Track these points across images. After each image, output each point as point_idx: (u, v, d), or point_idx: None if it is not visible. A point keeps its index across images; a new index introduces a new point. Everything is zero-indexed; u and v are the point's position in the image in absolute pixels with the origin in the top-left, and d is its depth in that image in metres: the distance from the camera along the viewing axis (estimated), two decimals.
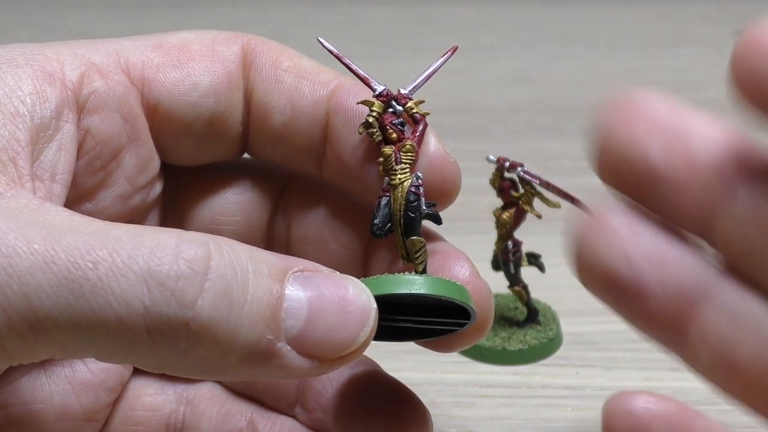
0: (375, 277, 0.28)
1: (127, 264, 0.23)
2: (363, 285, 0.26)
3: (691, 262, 0.25)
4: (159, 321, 0.23)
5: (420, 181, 0.29)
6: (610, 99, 0.25)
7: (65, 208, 0.25)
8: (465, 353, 0.45)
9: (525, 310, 0.46)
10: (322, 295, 0.25)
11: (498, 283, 0.44)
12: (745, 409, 0.25)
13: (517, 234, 0.44)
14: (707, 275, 0.25)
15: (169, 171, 0.32)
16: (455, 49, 0.31)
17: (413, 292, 0.27)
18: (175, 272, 0.23)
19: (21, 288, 0.22)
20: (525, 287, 0.46)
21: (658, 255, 0.25)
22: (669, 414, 0.24)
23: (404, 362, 0.43)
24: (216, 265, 0.23)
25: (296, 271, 0.25)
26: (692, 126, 0.24)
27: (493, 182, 0.44)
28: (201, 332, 0.23)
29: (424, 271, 0.29)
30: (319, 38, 0.30)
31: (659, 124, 0.24)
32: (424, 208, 0.29)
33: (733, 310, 0.25)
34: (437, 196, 0.29)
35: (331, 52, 0.30)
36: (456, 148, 0.31)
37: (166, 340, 0.23)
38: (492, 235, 0.45)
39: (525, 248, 0.45)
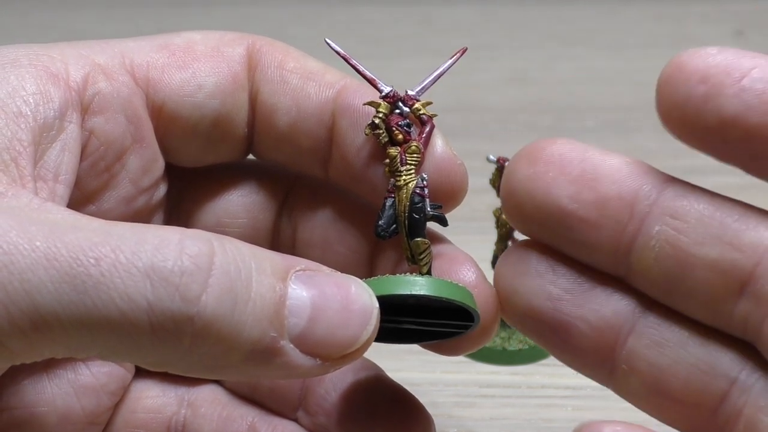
0: (377, 277, 0.28)
1: (131, 260, 0.23)
2: (365, 285, 0.26)
3: (613, 296, 0.26)
4: (163, 317, 0.23)
5: (425, 182, 0.29)
6: (522, 149, 0.26)
7: (67, 208, 0.25)
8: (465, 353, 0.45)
9: None
10: (324, 293, 0.25)
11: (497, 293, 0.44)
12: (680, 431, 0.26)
13: (517, 234, 0.44)
14: (630, 307, 0.26)
15: (173, 173, 0.32)
16: (464, 50, 0.30)
17: (414, 293, 0.27)
18: (179, 268, 0.23)
19: (23, 285, 0.22)
20: None
21: (579, 290, 0.26)
22: None
23: (405, 362, 0.43)
24: (219, 261, 0.23)
25: (298, 270, 0.25)
26: (597, 164, 0.25)
27: (493, 182, 0.44)
28: (205, 328, 0.23)
29: (428, 273, 0.29)
30: (327, 39, 0.30)
31: (566, 166, 0.25)
32: (428, 209, 0.29)
33: (660, 338, 0.25)
34: (444, 197, 0.29)
35: (338, 53, 0.30)
36: (456, 148, 0.31)
37: (169, 337, 0.23)
38: (492, 235, 0.45)
39: None
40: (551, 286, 0.26)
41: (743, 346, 0.25)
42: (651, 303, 0.26)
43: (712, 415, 0.25)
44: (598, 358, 0.26)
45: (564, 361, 0.27)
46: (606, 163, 0.25)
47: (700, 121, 0.23)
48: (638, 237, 0.25)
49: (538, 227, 0.26)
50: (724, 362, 0.25)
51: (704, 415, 0.25)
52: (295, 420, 0.33)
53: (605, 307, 0.25)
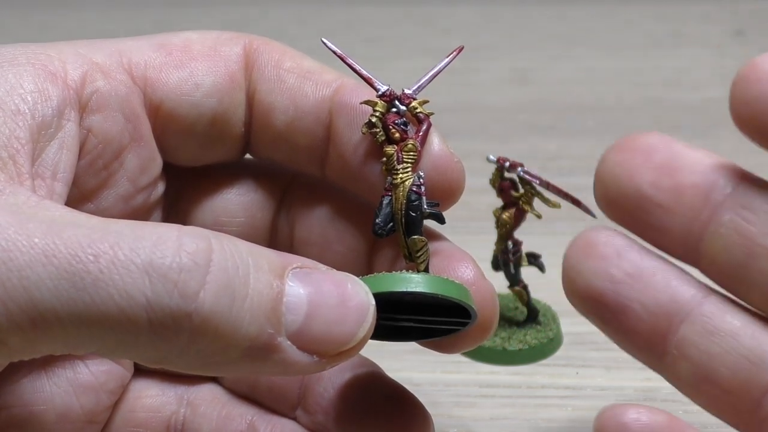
0: (373, 275, 0.28)
1: (129, 257, 0.23)
2: (361, 282, 0.26)
3: (672, 281, 0.27)
4: (161, 313, 0.23)
5: (421, 180, 0.29)
6: (618, 140, 0.27)
7: (64, 206, 0.25)
8: (465, 353, 0.45)
9: (525, 310, 0.46)
10: (321, 290, 0.25)
11: (498, 283, 0.44)
12: (727, 424, 0.26)
13: (517, 234, 0.44)
14: (688, 294, 0.26)
15: (171, 171, 0.32)
16: (461, 49, 0.31)
17: (410, 290, 0.27)
18: (178, 264, 0.23)
19: (21, 281, 0.22)
20: (525, 287, 0.45)
21: (640, 274, 0.27)
22: (660, 426, 0.24)
23: (404, 362, 0.43)
24: (217, 258, 0.24)
25: (295, 268, 0.25)
26: (680, 155, 0.26)
27: (493, 182, 0.44)
28: (203, 324, 0.23)
29: (426, 270, 0.29)
30: (323, 39, 0.30)
31: (651, 155, 0.26)
32: (425, 207, 0.29)
33: (712, 325, 0.26)
34: (441, 195, 0.29)
35: (335, 52, 0.30)
36: (456, 147, 0.31)
37: (168, 333, 0.23)
38: (492, 235, 0.45)
39: (525, 248, 0.45)
40: (614, 269, 0.27)
41: None
42: (709, 293, 0.26)
43: (756, 407, 0.25)
44: (651, 342, 0.27)
45: (618, 343, 0.28)
46: (688, 155, 0.26)
47: None
48: (710, 225, 0.26)
49: (620, 210, 0.27)
50: None
51: (748, 406, 0.25)
52: (294, 419, 0.33)
53: (663, 293, 0.26)
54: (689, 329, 0.26)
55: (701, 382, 0.26)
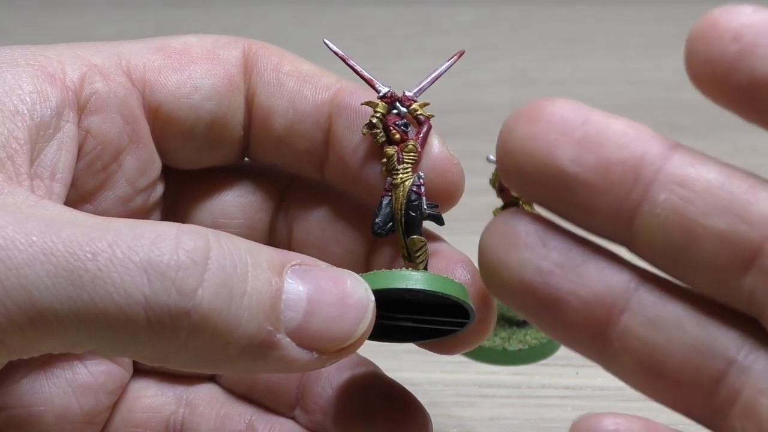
0: (373, 272, 0.28)
1: (127, 255, 0.23)
2: (361, 279, 0.26)
3: (605, 269, 0.25)
4: (160, 311, 0.23)
5: (421, 180, 0.29)
6: (520, 109, 0.25)
7: (62, 205, 0.25)
8: (465, 353, 0.45)
9: None
10: (320, 287, 0.25)
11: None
12: (681, 414, 0.25)
13: None
14: (624, 282, 0.25)
15: (170, 173, 0.32)
16: (462, 53, 0.31)
17: (409, 287, 0.27)
18: (176, 262, 0.23)
19: (19, 280, 0.22)
20: None
21: (570, 263, 0.25)
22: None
23: (404, 362, 0.43)
24: (216, 256, 0.24)
25: (294, 265, 0.25)
26: (601, 127, 0.24)
27: (493, 182, 0.44)
28: (201, 322, 0.23)
29: (425, 270, 0.29)
30: (325, 40, 0.30)
31: (568, 126, 0.24)
32: (425, 207, 0.29)
33: (655, 316, 0.24)
34: (441, 197, 0.29)
35: (336, 53, 0.30)
36: (456, 148, 0.31)
37: (166, 331, 0.23)
38: None
39: None
40: (542, 260, 0.24)
41: (744, 323, 0.24)
42: (646, 278, 0.25)
43: (708, 396, 0.24)
44: (590, 335, 0.25)
45: (554, 337, 0.26)
46: (610, 126, 0.24)
47: (730, 80, 0.23)
48: (643, 204, 0.24)
49: (537, 189, 0.24)
50: (723, 341, 0.24)
51: (700, 395, 0.24)
52: (293, 418, 0.33)
53: (598, 282, 0.24)
54: (630, 320, 0.24)
55: (648, 375, 0.25)
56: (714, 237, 0.23)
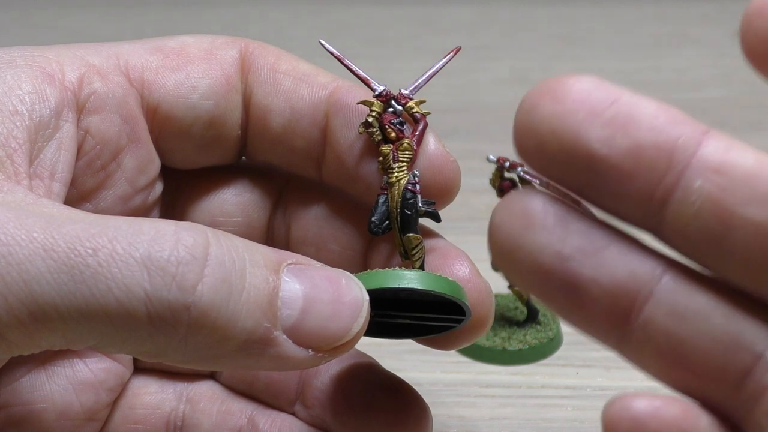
0: (367, 271, 0.28)
1: (127, 250, 0.23)
2: (355, 278, 0.26)
3: (629, 255, 0.23)
4: (160, 306, 0.23)
5: (417, 178, 0.29)
6: (542, 84, 0.23)
7: (62, 204, 0.25)
8: (465, 353, 0.45)
9: (525, 310, 0.46)
10: (316, 286, 0.25)
11: (498, 283, 0.44)
12: (706, 405, 0.24)
13: None
14: (648, 268, 0.23)
15: (168, 172, 0.32)
16: (458, 49, 0.31)
17: (404, 286, 0.27)
18: (176, 258, 0.23)
19: (21, 275, 0.22)
20: None
21: (591, 248, 0.23)
22: (673, 415, 0.22)
23: (404, 362, 0.43)
24: (215, 252, 0.24)
25: (290, 263, 0.26)
26: (633, 108, 0.23)
27: (493, 182, 0.44)
28: (201, 317, 0.23)
29: (421, 268, 0.29)
30: (321, 40, 0.30)
31: (596, 105, 0.23)
32: (420, 205, 0.29)
33: (680, 306, 0.23)
34: (437, 194, 0.30)
35: (332, 53, 0.30)
36: (456, 148, 0.31)
37: (166, 326, 0.23)
38: None
39: None
40: (561, 244, 0.23)
41: None
42: (671, 265, 0.24)
43: (733, 391, 0.23)
44: (611, 324, 0.24)
45: (573, 325, 0.24)
46: (641, 107, 0.23)
47: None
48: (676, 191, 0.23)
49: (561, 170, 0.23)
50: (751, 335, 0.23)
51: (725, 390, 0.23)
52: (293, 414, 0.33)
53: (620, 268, 0.23)
54: (654, 310, 0.23)
55: (671, 367, 0.24)
56: (751, 227, 0.22)
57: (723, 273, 0.23)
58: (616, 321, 0.24)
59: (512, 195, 0.24)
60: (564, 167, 0.23)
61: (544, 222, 0.23)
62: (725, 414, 0.24)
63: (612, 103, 0.23)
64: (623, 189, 0.23)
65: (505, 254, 0.23)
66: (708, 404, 0.24)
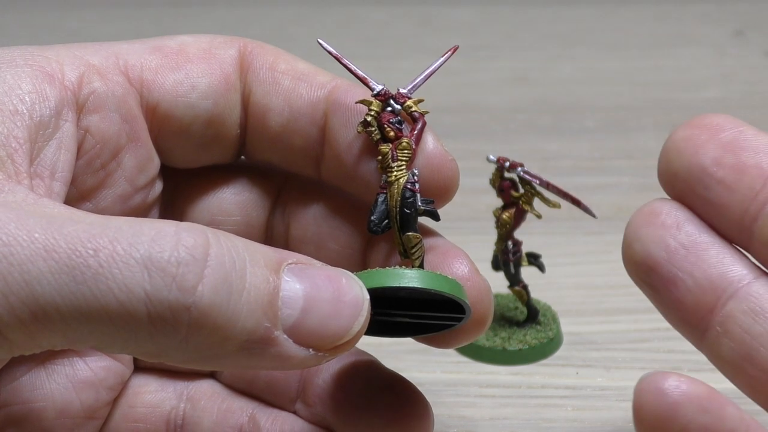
0: (367, 270, 0.28)
1: (128, 251, 0.23)
2: (356, 277, 0.26)
3: (725, 258, 0.27)
4: (160, 306, 0.23)
5: (416, 177, 0.29)
6: (687, 121, 0.27)
7: (62, 204, 0.25)
8: (465, 353, 0.45)
9: (525, 310, 0.46)
10: (316, 285, 0.25)
11: (498, 283, 0.44)
12: (763, 407, 0.26)
13: (517, 234, 0.44)
14: (739, 272, 0.26)
15: (168, 172, 0.32)
16: (455, 48, 0.31)
17: (404, 285, 0.27)
18: (176, 258, 0.23)
19: (22, 275, 0.22)
20: (525, 287, 0.46)
21: (695, 246, 0.27)
22: (701, 397, 0.24)
23: (404, 362, 0.43)
24: (215, 253, 0.24)
25: (290, 263, 0.26)
26: (746, 135, 0.26)
27: (493, 182, 0.44)
28: (201, 318, 0.23)
29: (421, 267, 0.29)
30: (319, 40, 0.30)
31: (718, 133, 0.26)
32: (419, 204, 0.29)
33: (758, 305, 0.26)
34: (436, 193, 0.30)
35: (330, 53, 0.30)
36: (456, 148, 0.31)
37: (166, 326, 0.23)
38: (492, 235, 0.45)
39: (525, 248, 0.45)
40: (671, 239, 0.27)
41: None
42: (760, 274, 0.26)
43: None
44: (696, 316, 0.27)
45: (664, 314, 0.28)
46: (755, 136, 0.26)
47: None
48: (766, 206, 0.26)
49: (680, 185, 0.27)
50: None
51: None
52: (294, 412, 0.33)
53: (714, 268, 0.26)
54: (735, 307, 0.26)
55: (742, 362, 0.26)
56: None
57: None
58: (702, 315, 0.27)
59: (653, 200, 0.28)
60: (683, 180, 0.27)
61: (664, 220, 0.27)
62: None
63: (732, 131, 0.27)
64: (724, 200, 0.26)
65: (627, 246, 0.28)
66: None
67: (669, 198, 0.28)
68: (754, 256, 0.27)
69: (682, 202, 0.27)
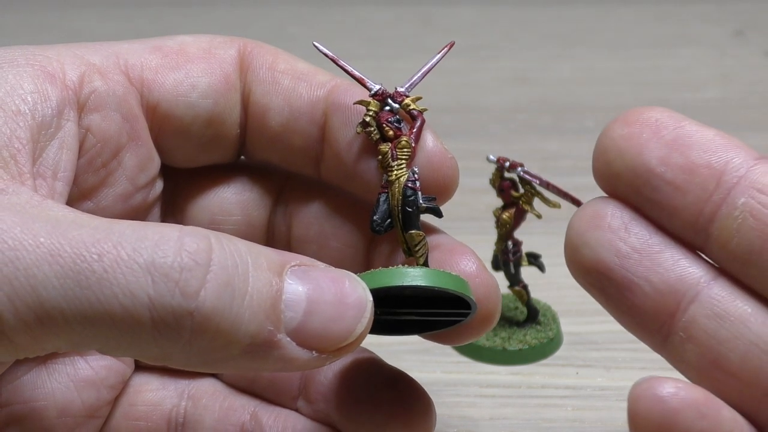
0: (371, 271, 0.28)
1: (132, 256, 0.23)
2: (358, 278, 0.26)
3: (681, 260, 0.26)
4: (163, 311, 0.23)
5: (416, 175, 0.29)
6: (621, 114, 0.26)
7: (66, 206, 0.25)
8: (465, 353, 0.45)
9: (525, 310, 0.46)
10: (319, 288, 0.25)
11: (498, 283, 0.44)
12: (735, 410, 0.25)
13: (517, 234, 0.44)
14: (697, 274, 0.26)
15: (168, 171, 0.32)
16: (452, 44, 0.31)
17: (408, 284, 0.27)
18: (179, 264, 0.23)
19: (28, 280, 0.22)
20: (525, 287, 0.46)
21: (648, 250, 0.26)
22: (698, 402, 0.24)
23: (405, 362, 0.43)
24: (217, 257, 0.24)
25: (294, 265, 0.26)
26: (691, 133, 0.25)
27: (493, 182, 0.44)
28: (204, 322, 0.23)
29: (425, 264, 0.29)
30: (315, 43, 0.30)
31: (660, 130, 0.25)
32: (421, 202, 0.29)
33: (721, 309, 0.25)
34: (436, 190, 0.30)
35: (326, 55, 0.31)
36: (455, 148, 0.31)
37: (170, 331, 0.23)
38: (492, 235, 0.45)
39: (525, 248, 0.45)
40: (621, 243, 0.26)
41: None
42: (717, 275, 0.26)
43: (766, 396, 0.25)
44: (657, 323, 0.26)
45: (621, 321, 0.27)
46: (700, 132, 0.25)
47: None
48: (722, 207, 0.25)
49: (624, 186, 0.26)
50: None
51: (758, 393, 0.25)
52: (296, 409, 0.33)
53: (671, 271, 0.26)
54: (698, 311, 0.25)
55: (709, 367, 0.25)
56: None
57: (760, 286, 0.25)
58: (662, 321, 0.26)
59: (591, 200, 0.27)
60: (627, 183, 0.26)
61: (610, 222, 0.26)
62: (759, 422, 0.25)
63: (674, 128, 0.25)
64: (676, 203, 0.25)
65: (572, 251, 0.26)
66: (743, 409, 0.25)
67: (608, 197, 0.27)
68: (710, 257, 0.26)
69: (624, 203, 0.26)
